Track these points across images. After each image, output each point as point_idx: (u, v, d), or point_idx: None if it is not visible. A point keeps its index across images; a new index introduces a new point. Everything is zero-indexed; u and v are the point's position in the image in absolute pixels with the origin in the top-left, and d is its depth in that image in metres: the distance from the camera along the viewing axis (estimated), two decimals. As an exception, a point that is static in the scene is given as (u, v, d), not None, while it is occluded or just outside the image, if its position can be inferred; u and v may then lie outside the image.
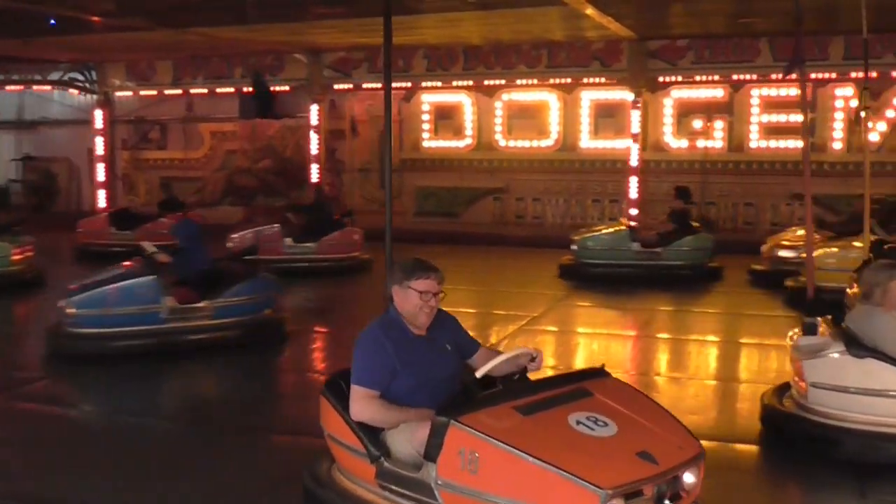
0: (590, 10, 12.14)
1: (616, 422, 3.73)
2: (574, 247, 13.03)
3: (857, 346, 5.66)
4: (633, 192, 16.33)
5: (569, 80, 16.87)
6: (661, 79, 16.26)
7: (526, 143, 17.60)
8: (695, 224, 13.14)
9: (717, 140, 16.50)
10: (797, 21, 6.96)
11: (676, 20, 14.05)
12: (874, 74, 14.98)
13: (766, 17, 13.60)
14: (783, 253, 12.03)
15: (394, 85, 18.35)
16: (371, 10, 12.14)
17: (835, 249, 10.74)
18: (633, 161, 16.27)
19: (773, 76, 15.54)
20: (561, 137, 17.35)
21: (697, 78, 16.15)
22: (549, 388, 3.96)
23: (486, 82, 17.41)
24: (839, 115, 15.85)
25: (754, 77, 15.86)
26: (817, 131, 15.95)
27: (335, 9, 12.85)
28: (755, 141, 16.28)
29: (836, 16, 13.45)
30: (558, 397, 3.87)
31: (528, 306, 10.99)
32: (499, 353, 4.34)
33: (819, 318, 6.11)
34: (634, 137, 16.22)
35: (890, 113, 15.66)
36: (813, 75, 15.33)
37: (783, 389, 6.36)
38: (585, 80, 16.80)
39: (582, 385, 4.02)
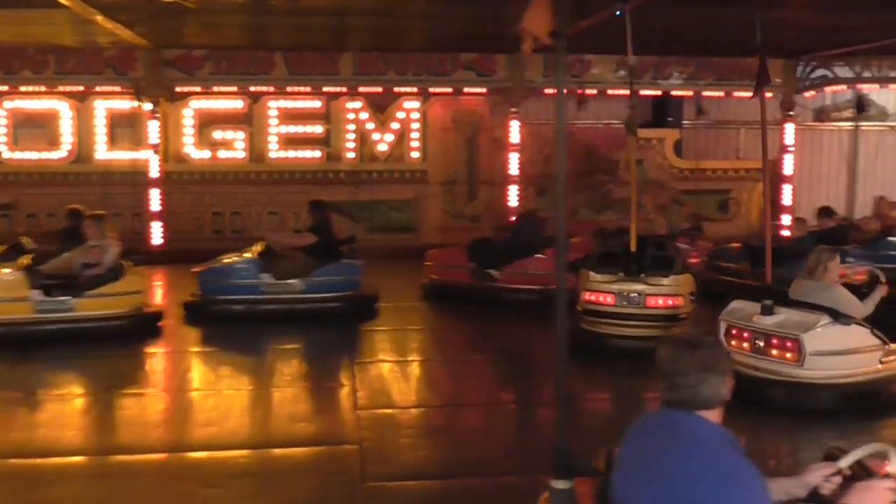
0: (98, 17, 11.57)
1: None
2: None
3: (842, 316, 7.10)
4: (156, 205, 15.87)
5: (81, 88, 15.94)
6: (178, 89, 15.98)
7: (35, 155, 16.35)
8: None
9: (238, 151, 16.69)
10: (759, 48, 8.08)
11: (191, 30, 13.91)
12: (380, 89, 16.23)
13: (282, 33, 14.03)
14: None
15: None
16: None
17: None
18: (154, 173, 15.82)
19: (290, 88, 16.10)
20: (75, 149, 16.38)
21: (216, 89, 16.14)
22: None
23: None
24: (351, 127, 16.84)
25: (271, 89, 16.25)
26: (332, 142, 16.85)
27: None
28: (275, 151, 16.73)
29: (345, 35, 14.29)
30: None
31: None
32: None
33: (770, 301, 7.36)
34: (154, 148, 15.79)
35: (394, 125, 16.97)
36: (325, 88, 16.18)
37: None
38: (99, 89, 15.99)
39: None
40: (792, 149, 17.03)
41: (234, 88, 16.04)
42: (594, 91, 16.18)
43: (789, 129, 16.98)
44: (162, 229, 15.89)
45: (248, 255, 11.16)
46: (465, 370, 9.15)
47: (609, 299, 9.18)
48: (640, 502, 2.84)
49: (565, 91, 3.64)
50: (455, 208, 17.14)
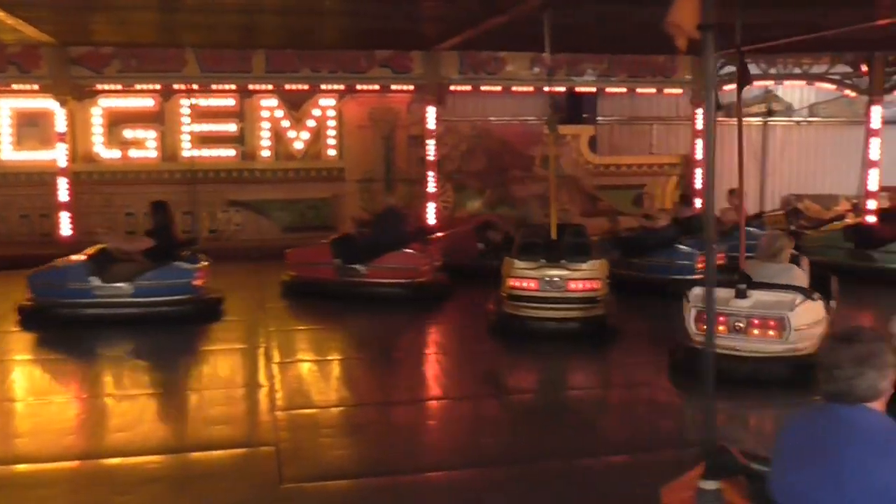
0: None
1: None
2: None
3: (811, 293, 7.74)
4: (64, 196, 15.33)
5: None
6: (87, 87, 15.56)
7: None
8: None
9: (150, 150, 16.35)
10: (738, 47, 8.38)
11: (98, 27, 13.56)
12: (297, 87, 16.06)
13: (194, 30, 13.75)
14: None
15: None
16: None
17: None
18: (62, 163, 15.33)
19: (202, 86, 15.83)
20: (-22, 150, 15.85)
21: (126, 87, 15.79)
22: None
23: None
24: (266, 125, 16.65)
25: (183, 87, 15.95)
26: (247, 140, 16.62)
27: None
28: (188, 150, 16.43)
29: (257, 32, 14.09)
30: None
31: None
32: None
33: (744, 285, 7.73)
34: (62, 148, 15.34)
35: (310, 122, 16.82)
36: (233, 86, 15.97)
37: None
38: (2, 87, 15.47)
39: None
40: (701, 139, 17.47)
41: (146, 86, 15.70)
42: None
43: (700, 117, 17.40)
44: (70, 220, 15.41)
45: (80, 257, 10.81)
46: (366, 368, 9.12)
47: (532, 284, 9.68)
48: (808, 498, 2.79)
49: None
50: (373, 206, 17.05)
